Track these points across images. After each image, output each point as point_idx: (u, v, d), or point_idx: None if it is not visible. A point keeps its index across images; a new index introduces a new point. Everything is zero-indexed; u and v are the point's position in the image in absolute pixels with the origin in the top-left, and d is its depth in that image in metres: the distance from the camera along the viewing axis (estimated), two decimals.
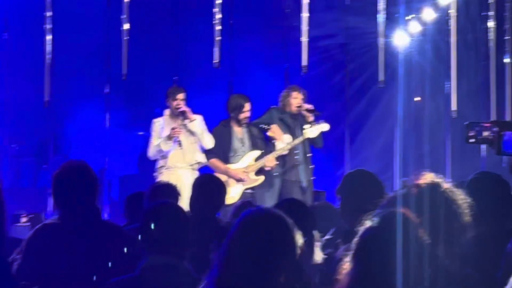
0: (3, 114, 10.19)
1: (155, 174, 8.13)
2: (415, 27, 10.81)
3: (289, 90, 8.48)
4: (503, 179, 3.82)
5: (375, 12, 9.26)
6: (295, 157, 8.28)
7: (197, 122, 8.04)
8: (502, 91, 9.66)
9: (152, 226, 3.40)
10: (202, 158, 8.12)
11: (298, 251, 2.55)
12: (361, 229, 2.45)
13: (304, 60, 8.81)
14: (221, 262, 2.54)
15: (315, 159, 8.55)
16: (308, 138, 8.25)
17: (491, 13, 9.66)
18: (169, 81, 9.42)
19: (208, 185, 5.09)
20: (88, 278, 3.64)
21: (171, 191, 5.22)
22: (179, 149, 8.02)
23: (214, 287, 2.53)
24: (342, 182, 4.11)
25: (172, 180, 6.22)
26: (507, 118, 9.32)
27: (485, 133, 3.38)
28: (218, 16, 9.00)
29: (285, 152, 8.20)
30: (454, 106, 9.22)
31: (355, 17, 10.38)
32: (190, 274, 3.38)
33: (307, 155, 8.35)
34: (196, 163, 8.09)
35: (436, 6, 10.33)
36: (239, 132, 8.25)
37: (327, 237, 4.98)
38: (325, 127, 8.27)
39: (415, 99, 11.45)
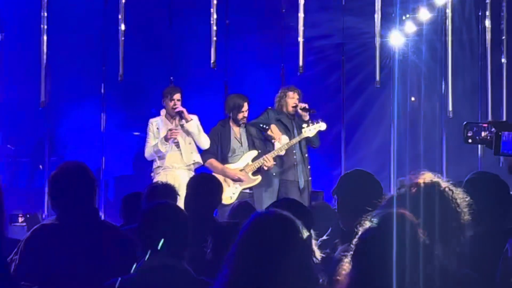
0: None
1: (152, 174, 8.12)
2: (411, 27, 10.83)
3: (284, 90, 8.52)
4: (501, 179, 3.83)
5: (371, 12, 9.25)
6: (293, 157, 8.29)
7: (194, 123, 8.04)
8: (499, 91, 9.67)
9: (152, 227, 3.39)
10: (199, 158, 8.11)
11: (308, 252, 2.55)
12: (361, 230, 2.45)
13: (301, 60, 8.81)
14: (231, 264, 2.54)
15: (311, 159, 8.55)
16: (305, 138, 8.27)
17: (487, 12, 9.66)
18: (165, 81, 9.40)
19: (205, 184, 5.06)
20: (86, 279, 3.63)
21: (169, 191, 5.17)
22: (176, 150, 8.02)
23: None
24: (339, 183, 4.05)
25: (169, 180, 6.21)
26: (504, 118, 9.32)
27: (483, 134, 3.37)
28: (214, 16, 8.99)
29: (282, 153, 8.20)
30: (450, 106, 9.23)
31: (351, 17, 10.38)
32: (189, 275, 3.37)
33: (305, 155, 8.36)
34: (193, 163, 8.08)
35: (431, 6, 10.34)
36: (237, 132, 8.24)
37: (324, 237, 4.96)
38: (322, 126, 8.29)
39: (411, 99, 11.47)
